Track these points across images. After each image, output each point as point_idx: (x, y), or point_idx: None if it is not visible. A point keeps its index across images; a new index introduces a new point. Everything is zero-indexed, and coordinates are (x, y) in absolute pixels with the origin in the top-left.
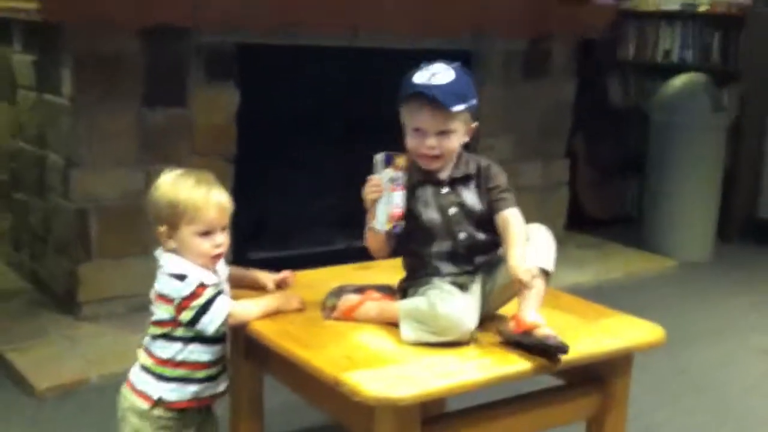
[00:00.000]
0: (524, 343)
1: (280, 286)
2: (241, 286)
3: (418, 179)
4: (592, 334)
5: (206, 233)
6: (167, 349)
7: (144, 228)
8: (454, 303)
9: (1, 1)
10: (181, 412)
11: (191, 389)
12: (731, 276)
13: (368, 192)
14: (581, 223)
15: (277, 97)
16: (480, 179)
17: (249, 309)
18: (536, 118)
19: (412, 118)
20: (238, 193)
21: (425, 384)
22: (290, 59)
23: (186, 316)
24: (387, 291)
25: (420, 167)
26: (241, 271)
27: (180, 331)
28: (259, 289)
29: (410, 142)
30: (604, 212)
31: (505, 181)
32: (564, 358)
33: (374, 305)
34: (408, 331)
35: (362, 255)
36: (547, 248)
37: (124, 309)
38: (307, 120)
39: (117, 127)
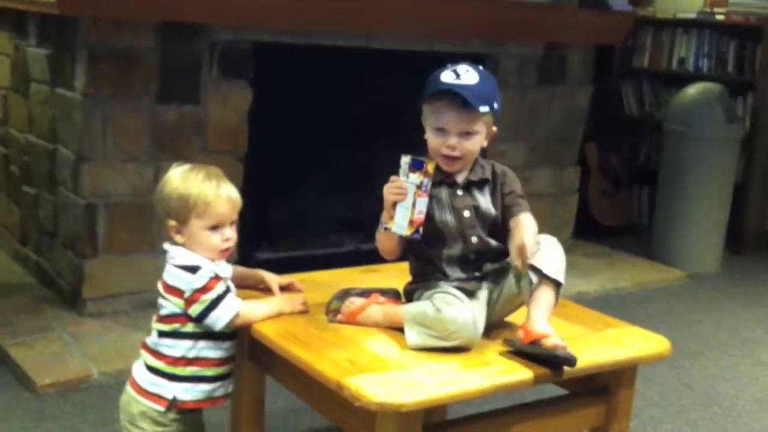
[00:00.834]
0: (532, 353)
1: (286, 289)
2: (244, 286)
3: (434, 180)
4: (597, 344)
5: (215, 227)
6: (177, 348)
7: (152, 225)
8: (460, 308)
9: None
10: (193, 412)
11: (204, 388)
12: (740, 288)
13: (391, 193)
14: (590, 232)
15: (288, 97)
16: (495, 184)
17: (256, 310)
18: (549, 125)
19: (437, 117)
20: (247, 193)
21: (428, 390)
22: (304, 59)
23: (195, 309)
24: (392, 295)
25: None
26: (245, 271)
27: (189, 327)
28: (263, 289)
29: (432, 141)
30: (614, 221)
31: (520, 188)
32: (568, 368)
33: (379, 309)
34: (413, 335)
35: (369, 258)
36: (558, 259)
37: (129, 306)
38: (319, 121)
39: (129, 123)
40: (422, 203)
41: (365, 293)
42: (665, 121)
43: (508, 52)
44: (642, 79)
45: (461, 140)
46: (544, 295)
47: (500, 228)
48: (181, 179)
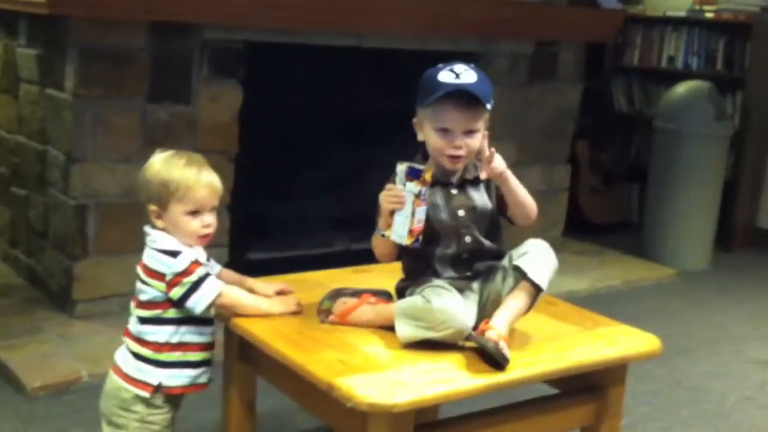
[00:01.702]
0: (472, 340)
1: (280, 293)
2: None
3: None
4: (587, 342)
5: (195, 212)
6: (160, 333)
7: (143, 225)
8: (449, 298)
9: None
10: (177, 398)
11: (189, 373)
12: (730, 286)
13: (388, 202)
14: (581, 229)
15: (279, 97)
16: (489, 179)
17: (240, 296)
18: (540, 123)
19: (440, 118)
20: (238, 193)
21: (420, 390)
22: (295, 58)
23: (177, 292)
24: (384, 295)
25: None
26: (236, 278)
27: (171, 313)
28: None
29: (436, 142)
30: (604, 219)
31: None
32: (559, 366)
33: (370, 309)
34: (403, 327)
35: (361, 257)
36: (545, 265)
37: (119, 308)
38: (311, 120)
39: (120, 123)
40: (421, 212)
41: (357, 293)
42: (655, 119)
43: (499, 50)
44: (632, 76)
45: (466, 139)
46: (516, 298)
47: (497, 223)
48: (163, 164)
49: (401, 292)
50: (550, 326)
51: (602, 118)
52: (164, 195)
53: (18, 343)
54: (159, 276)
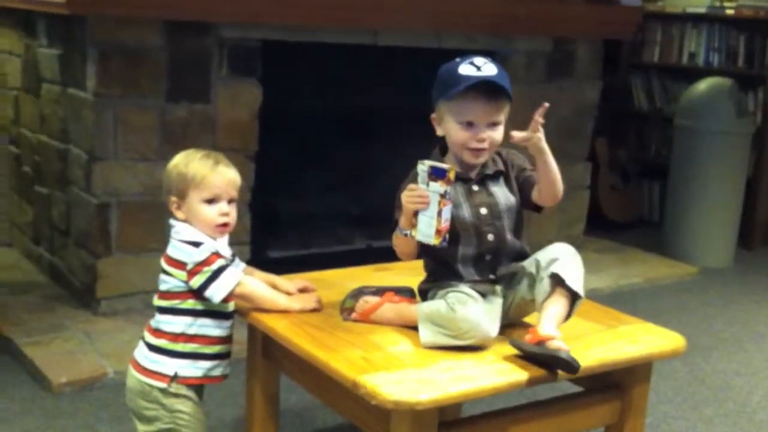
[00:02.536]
0: (535, 353)
1: (302, 291)
2: None
3: None
4: (610, 341)
5: (211, 201)
6: (177, 324)
7: (164, 223)
8: (473, 306)
9: None
10: (194, 388)
11: (203, 365)
12: (752, 283)
13: (412, 202)
14: (601, 227)
15: (299, 94)
16: (507, 170)
17: (260, 288)
18: (559, 121)
19: (464, 111)
20: (257, 191)
21: (443, 388)
22: (312, 56)
23: (197, 281)
24: (406, 293)
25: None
26: (260, 274)
27: (189, 303)
28: None
29: (459, 135)
30: (625, 217)
31: (526, 161)
32: (583, 365)
33: (392, 308)
34: (426, 333)
35: (382, 255)
36: (579, 271)
37: (142, 305)
38: (329, 118)
39: (140, 122)
40: (447, 212)
41: (379, 291)
42: (675, 116)
43: (516, 47)
44: (651, 73)
45: (489, 131)
46: (557, 304)
47: (521, 219)
48: (183, 157)
49: (424, 294)
50: (573, 324)
51: (621, 116)
52: (182, 184)
53: (43, 340)
54: (180, 265)
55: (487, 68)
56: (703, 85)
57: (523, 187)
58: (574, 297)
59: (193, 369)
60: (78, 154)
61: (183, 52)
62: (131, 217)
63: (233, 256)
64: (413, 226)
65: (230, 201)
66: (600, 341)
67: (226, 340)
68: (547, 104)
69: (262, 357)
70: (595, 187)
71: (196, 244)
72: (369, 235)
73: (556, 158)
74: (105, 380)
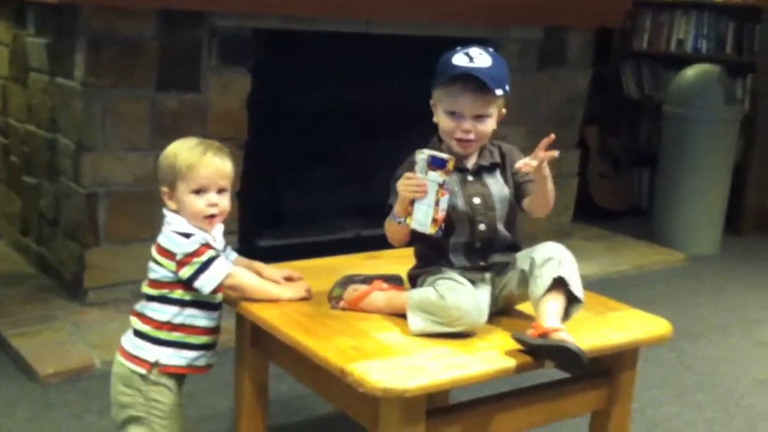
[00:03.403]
0: (540, 345)
1: (289, 280)
2: None
3: None
4: (598, 327)
5: (199, 191)
6: (164, 312)
7: (153, 213)
8: (463, 293)
9: None
10: (176, 377)
11: (187, 355)
12: (741, 270)
13: (410, 191)
14: (591, 215)
15: (288, 84)
16: (505, 165)
17: (250, 279)
18: (550, 108)
19: (451, 101)
20: (247, 180)
21: (432, 375)
22: (304, 46)
23: (186, 272)
24: (395, 281)
25: (444, 151)
26: (247, 263)
27: (178, 293)
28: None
29: (446, 124)
30: (614, 204)
31: None
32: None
33: (382, 295)
34: (416, 321)
35: (372, 243)
36: (576, 273)
37: (130, 295)
38: (319, 107)
39: (129, 112)
40: (445, 201)
41: (368, 280)
42: (665, 104)
43: (509, 35)
44: (641, 61)
45: (475, 123)
46: (557, 302)
47: (514, 211)
48: (174, 147)
49: (414, 279)
50: None
51: (611, 104)
52: (172, 175)
53: (31, 331)
54: (170, 255)
55: (481, 60)
56: (691, 72)
57: (515, 191)
58: (571, 300)
59: (177, 358)
60: (66, 144)
61: (174, 42)
62: (120, 207)
63: (225, 246)
64: (408, 214)
65: (220, 191)
66: (588, 328)
67: (213, 331)
68: (553, 136)
69: (251, 346)
70: (586, 175)
71: (187, 235)
72: (359, 224)
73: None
74: (93, 371)
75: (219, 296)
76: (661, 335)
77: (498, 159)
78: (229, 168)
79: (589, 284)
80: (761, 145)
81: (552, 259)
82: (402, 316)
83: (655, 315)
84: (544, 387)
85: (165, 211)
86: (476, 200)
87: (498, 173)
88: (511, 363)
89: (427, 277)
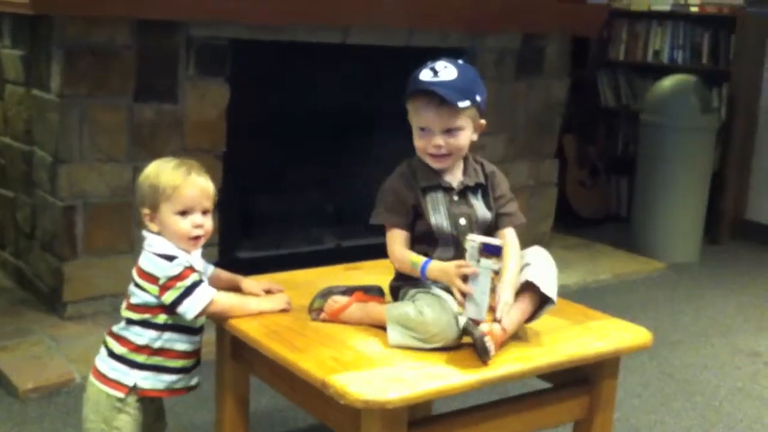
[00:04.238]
0: (469, 332)
1: (268, 292)
2: (223, 289)
3: (430, 184)
4: (578, 336)
5: (184, 212)
6: (143, 336)
7: (131, 225)
8: (441, 310)
9: None
10: (152, 401)
11: (165, 378)
12: (719, 278)
13: (462, 285)
14: (570, 224)
15: (265, 94)
16: (487, 187)
17: (232, 300)
18: (528, 117)
19: (418, 116)
20: (226, 191)
21: (413, 386)
22: (281, 55)
23: (169, 296)
24: (375, 292)
25: (430, 168)
26: (225, 275)
27: (160, 319)
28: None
29: (418, 141)
30: (592, 213)
31: (508, 188)
32: (551, 360)
33: (361, 307)
34: (395, 335)
35: (351, 255)
36: (550, 275)
37: (110, 308)
38: (298, 117)
39: (106, 123)
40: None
41: (348, 291)
42: (642, 113)
43: (486, 44)
44: (618, 71)
45: (446, 138)
46: (522, 301)
47: (494, 230)
48: (154, 167)
49: (395, 291)
50: (541, 320)
51: (588, 112)
52: (154, 197)
53: (8, 345)
54: (153, 279)
55: (445, 73)
56: (668, 82)
57: (497, 214)
58: (543, 300)
59: (155, 381)
60: (43, 156)
61: (150, 52)
62: (98, 219)
63: (206, 266)
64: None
65: (204, 212)
66: (568, 337)
67: (193, 354)
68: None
69: (232, 359)
70: (564, 184)
71: (170, 258)
72: (339, 234)
73: (526, 155)
74: (72, 385)
75: (201, 320)
76: (641, 344)
77: (482, 179)
78: (212, 188)
79: (568, 293)
80: (738, 154)
81: (528, 265)
82: (382, 327)
83: (635, 323)
84: (527, 397)
85: (145, 233)
86: (462, 221)
87: (480, 195)
88: (492, 373)
89: (409, 289)
